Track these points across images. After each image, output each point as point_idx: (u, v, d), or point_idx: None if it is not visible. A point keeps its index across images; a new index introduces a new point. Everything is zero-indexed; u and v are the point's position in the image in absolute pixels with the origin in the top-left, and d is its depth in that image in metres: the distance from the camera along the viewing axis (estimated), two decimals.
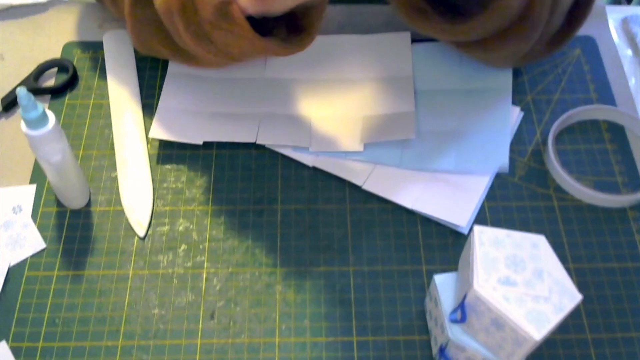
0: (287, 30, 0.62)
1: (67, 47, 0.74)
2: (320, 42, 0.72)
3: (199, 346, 0.56)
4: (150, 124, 0.67)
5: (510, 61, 0.67)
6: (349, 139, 0.66)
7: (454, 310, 0.50)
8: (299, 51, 0.61)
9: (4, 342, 0.56)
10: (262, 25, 0.60)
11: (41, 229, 0.62)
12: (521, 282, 0.47)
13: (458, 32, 0.60)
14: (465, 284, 0.49)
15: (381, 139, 0.65)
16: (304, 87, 0.70)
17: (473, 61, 0.71)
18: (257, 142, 0.66)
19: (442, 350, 0.52)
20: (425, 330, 0.57)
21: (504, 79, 0.70)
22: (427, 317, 0.57)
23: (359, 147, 0.65)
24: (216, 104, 0.68)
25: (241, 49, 0.60)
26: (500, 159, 0.65)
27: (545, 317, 0.45)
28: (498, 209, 0.63)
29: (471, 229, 0.51)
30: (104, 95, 0.71)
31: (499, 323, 0.46)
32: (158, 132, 0.66)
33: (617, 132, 0.68)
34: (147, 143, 0.67)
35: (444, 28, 0.60)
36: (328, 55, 0.72)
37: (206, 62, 0.65)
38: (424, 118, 0.67)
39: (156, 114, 0.67)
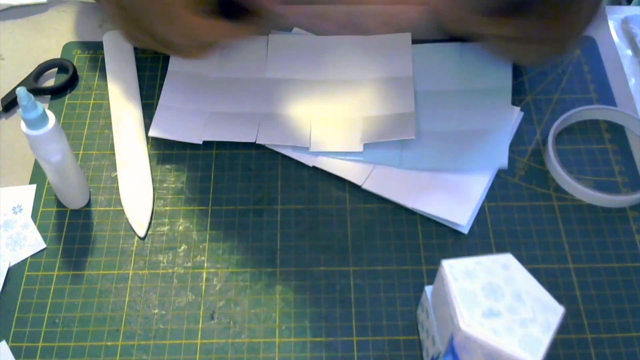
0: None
1: (67, 47, 0.74)
2: (320, 42, 0.73)
3: (199, 346, 0.56)
4: (150, 123, 0.67)
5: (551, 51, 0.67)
6: (349, 139, 0.66)
7: (445, 355, 0.49)
8: (250, 31, 0.62)
9: (4, 342, 0.56)
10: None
11: (41, 229, 0.62)
12: (504, 310, 0.46)
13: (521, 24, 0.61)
14: (446, 323, 0.48)
15: (381, 139, 0.65)
16: (304, 87, 0.70)
17: (473, 62, 0.71)
18: (257, 142, 0.66)
19: None
20: None
21: (504, 80, 0.70)
22: (419, 329, 0.56)
23: (358, 148, 0.65)
24: (216, 103, 0.68)
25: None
26: (500, 159, 0.65)
27: (537, 340, 0.44)
28: (498, 209, 0.63)
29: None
30: (104, 95, 0.71)
31: (493, 357, 0.45)
32: (158, 131, 0.66)
33: (617, 132, 0.68)
34: (147, 143, 0.67)
35: (507, 22, 0.61)
36: (328, 56, 0.72)
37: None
38: (423, 119, 0.67)
39: (156, 113, 0.67)
